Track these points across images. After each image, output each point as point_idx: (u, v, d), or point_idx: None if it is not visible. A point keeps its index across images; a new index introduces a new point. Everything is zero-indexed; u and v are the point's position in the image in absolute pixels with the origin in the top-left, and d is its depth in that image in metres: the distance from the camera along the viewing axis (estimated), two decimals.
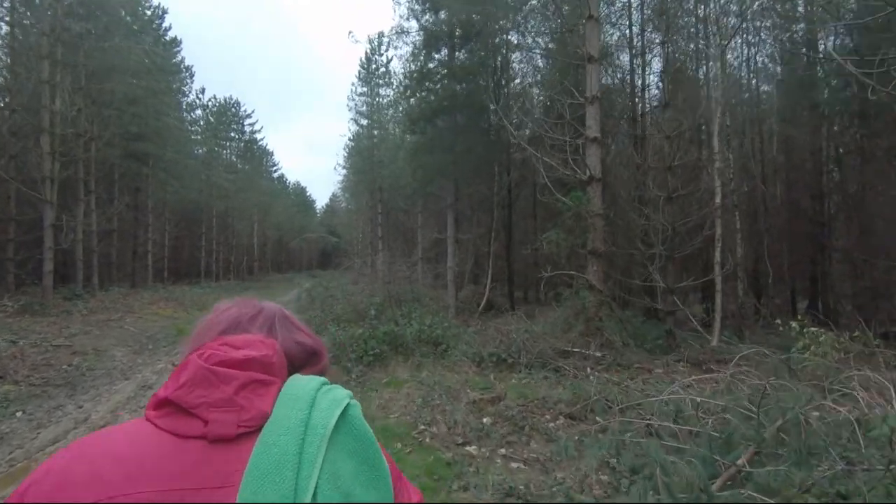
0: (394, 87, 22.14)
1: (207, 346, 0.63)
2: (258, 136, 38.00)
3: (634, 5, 13.35)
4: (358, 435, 0.57)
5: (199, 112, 31.23)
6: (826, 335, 6.68)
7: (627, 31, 13.63)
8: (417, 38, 12.98)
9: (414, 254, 17.74)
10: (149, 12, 20.96)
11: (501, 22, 13.50)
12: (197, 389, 0.56)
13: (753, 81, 16.13)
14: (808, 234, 14.46)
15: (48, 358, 7.13)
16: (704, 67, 14.29)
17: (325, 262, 50.79)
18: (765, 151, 15.23)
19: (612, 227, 10.25)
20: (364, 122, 25.15)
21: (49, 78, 12.98)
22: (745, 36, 14.99)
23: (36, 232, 13.49)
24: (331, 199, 60.12)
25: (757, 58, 15.88)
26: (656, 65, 13.95)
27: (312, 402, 0.57)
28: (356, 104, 25.31)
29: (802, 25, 14.92)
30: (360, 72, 24.56)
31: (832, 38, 14.57)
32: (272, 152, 44.40)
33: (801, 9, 14.60)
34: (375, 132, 23.75)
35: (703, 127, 12.89)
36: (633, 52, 13.47)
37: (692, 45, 12.63)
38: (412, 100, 14.49)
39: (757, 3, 12.32)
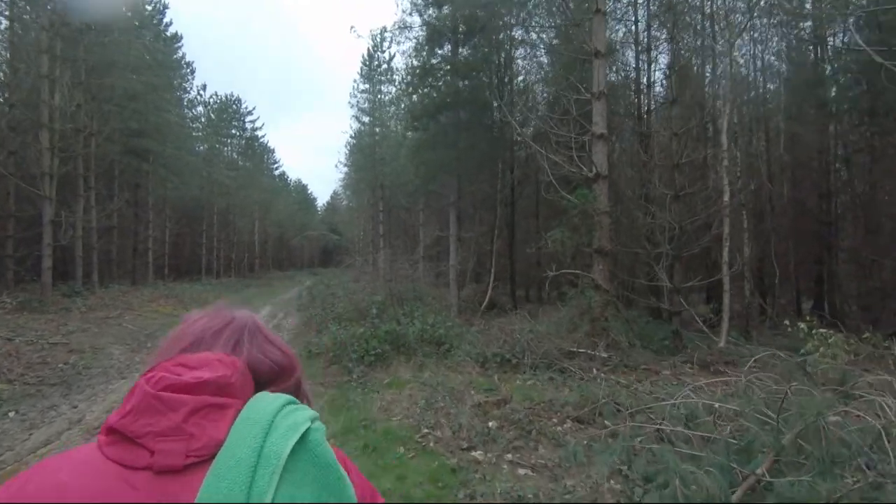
0: (396, 83, 21.99)
1: (161, 367, 0.59)
2: (259, 133, 37.88)
3: (640, 1, 13.18)
4: (318, 462, 0.54)
5: (200, 109, 31.13)
6: (835, 336, 6.53)
7: (633, 27, 13.47)
8: (420, 33, 12.83)
9: (416, 252, 17.59)
10: (149, 7, 20.80)
11: (506, 18, 13.35)
12: (142, 418, 0.54)
13: (760, 79, 15.93)
14: (814, 233, 14.29)
15: (44, 356, 7.00)
16: (711, 64, 14.12)
17: (327, 260, 50.70)
18: (771, 150, 15.05)
19: (617, 226, 10.10)
20: (366, 119, 24.99)
21: (48, 73, 12.83)
22: (752, 33, 14.80)
23: (35, 228, 13.36)
24: (332, 197, 60.10)
25: (763, 55, 15.65)
26: (662, 62, 13.79)
27: (269, 426, 0.54)
28: (358, 101, 25.18)
29: (809, 23, 14.75)
30: (361, 68, 24.41)
31: (840, 34, 14.41)
32: (273, 149, 44.28)
33: (808, 5, 14.41)
34: (377, 129, 23.59)
35: (709, 125, 12.74)
36: (639, 48, 13.30)
37: (700, 41, 12.43)
38: (414, 96, 14.34)
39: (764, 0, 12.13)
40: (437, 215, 19.27)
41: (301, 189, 61.36)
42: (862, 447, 3.08)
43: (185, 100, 27.56)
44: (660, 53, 13.77)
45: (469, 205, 16.84)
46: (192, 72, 26.41)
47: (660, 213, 8.95)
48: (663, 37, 13.12)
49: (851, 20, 10.59)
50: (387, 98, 23.68)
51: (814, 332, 6.56)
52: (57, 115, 13.12)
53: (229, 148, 34.37)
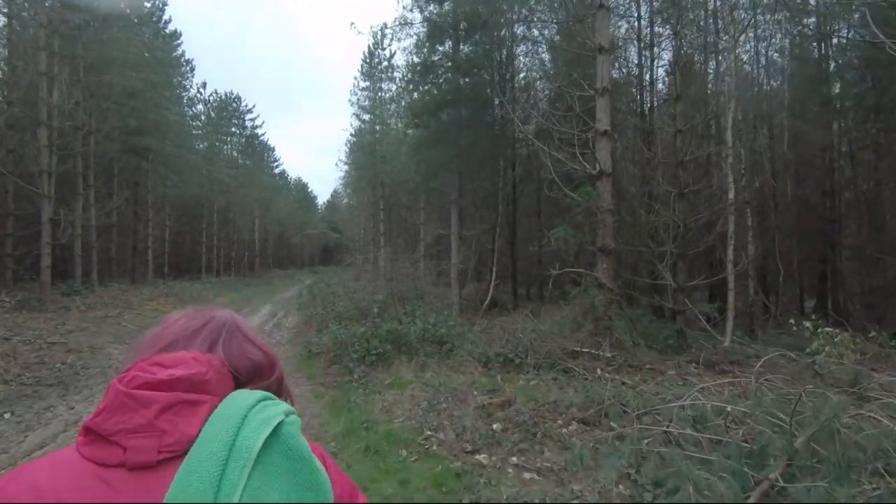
0: (396, 81, 21.86)
1: (137, 367, 0.60)
2: (259, 131, 37.73)
3: None
4: (291, 455, 0.53)
5: (200, 107, 30.99)
6: (842, 335, 6.44)
7: (636, 24, 13.35)
8: (421, 29, 12.71)
9: (416, 250, 17.50)
10: (148, 4, 20.67)
11: (507, 15, 13.23)
12: (115, 416, 0.54)
13: (763, 76, 15.82)
14: (817, 230, 14.20)
15: (42, 356, 6.92)
16: (714, 61, 14.00)
17: (327, 259, 50.59)
18: (774, 147, 14.94)
19: (620, 224, 10.00)
20: (366, 117, 24.88)
21: (46, 70, 12.73)
22: (755, 30, 14.68)
23: (34, 227, 13.26)
24: (332, 196, 59.96)
25: (767, 52, 15.52)
26: (664, 58, 13.68)
27: (242, 421, 0.54)
28: (358, 99, 25.05)
29: (813, 19, 14.63)
30: (362, 66, 24.27)
31: (844, 30, 14.28)
32: (273, 148, 44.11)
33: (812, 1, 14.29)
34: (378, 127, 23.48)
35: (712, 122, 12.63)
36: (642, 45, 13.18)
37: (706, 37, 12.31)
38: (415, 94, 14.22)
39: None
40: (438, 213, 19.17)
41: (301, 187, 61.23)
42: (878, 452, 2.99)
43: (185, 98, 27.43)
44: (663, 50, 13.69)
45: (470, 203, 16.73)
46: (192, 69, 26.29)
47: (664, 210, 8.85)
48: (666, 33, 13.02)
49: (857, 15, 10.48)
50: (387, 96, 23.56)
51: (819, 330, 6.47)
52: (55, 112, 13.01)
53: (229, 146, 34.23)
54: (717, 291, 13.08)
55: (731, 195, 8.94)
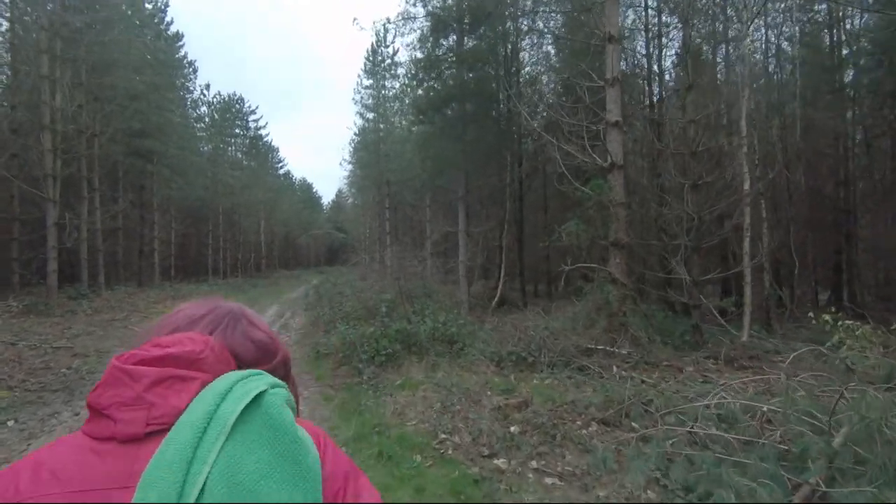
0: (400, 78, 21.70)
1: (139, 348, 0.61)
2: (263, 132, 37.69)
3: None
4: (273, 424, 0.53)
5: (204, 109, 30.98)
6: (863, 328, 6.22)
7: (643, 14, 13.09)
8: (425, 23, 12.52)
9: (423, 248, 17.34)
10: (149, 6, 20.60)
11: (511, 9, 13.02)
12: (109, 390, 0.56)
13: (774, 65, 15.50)
14: (832, 222, 13.91)
15: (47, 361, 6.82)
16: (724, 50, 13.73)
17: (333, 259, 50.58)
18: (787, 137, 14.65)
19: (631, 218, 9.78)
20: (370, 115, 24.74)
21: (49, 73, 12.68)
22: (765, 18, 14.37)
23: (40, 231, 13.24)
24: (337, 195, 59.91)
25: (778, 40, 15.20)
26: (673, 48, 13.42)
27: (226, 393, 0.54)
28: (362, 97, 24.90)
29: (825, 5, 14.31)
30: (365, 64, 24.12)
31: (859, 17, 13.96)
32: (277, 148, 44.08)
33: None
34: (381, 126, 23.33)
35: (724, 112, 12.36)
36: (650, 34, 12.92)
37: (715, 25, 12.04)
38: (420, 90, 14.05)
39: None
40: (444, 211, 18.99)
41: (306, 188, 61.24)
42: None
43: (189, 100, 27.41)
44: (670, 40, 13.42)
45: (476, 200, 16.56)
46: (195, 71, 26.22)
47: (676, 203, 8.63)
48: (674, 22, 12.75)
49: None
50: (391, 93, 23.41)
51: (840, 323, 6.25)
52: (59, 116, 12.97)
53: (233, 148, 34.22)
54: (730, 285, 12.85)
55: (747, 186, 8.69)
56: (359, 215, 36.12)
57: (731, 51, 13.32)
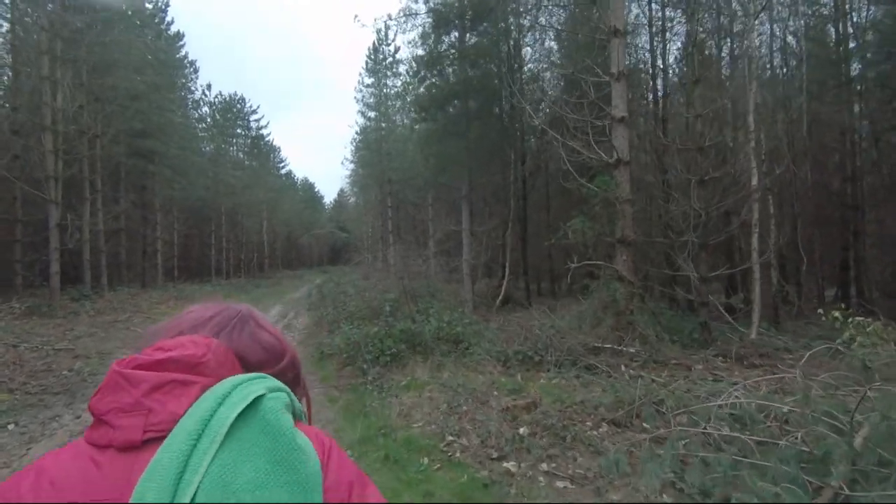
0: (401, 76, 21.60)
1: (141, 352, 0.60)
2: (264, 132, 37.63)
3: None
4: (270, 430, 0.51)
5: (205, 109, 30.95)
6: (874, 325, 6.11)
7: (647, 9, 12.95)
8: (427, 20, 12.41)
9: (426, 247, 17.25)
10: (150, 6, 20.54)
11: (513, 5, 12.89)
12: (108, 396, 0.54)
13: (779, 60, 15.34)
14: (839, 217, 13.76)
15: (48, 363, 6.76)
16: (729, 45, 13.58)
17: (335, 258, 50.54)
18: (793, 132, 14.50)
19: (636, 214, 9.67)
20: (372, 114, 24.66)
21: (49, 74, 12.62)
22: (769, 12, 14.22)
23: (42, 233, 13.20)
24: (339, 195, 59.85)
25: (784, 34, 15.03)
26: (677, 43, 13.29)
27: (224, 397, 0.52)
28: (363, 96, 24.83)
29: None
30: (367, 62, 24.04)
31: (865, 11, 13.79)
32: (279, 148, 44.04)
33: None
34: (383, 124, 23.23)
35: (729, 107, 12.22)
36: (653, 29, 12.79)
37: (720, 19, 11.90)
38: (422, 87, 13.95)
39: None
40: (447, 209, 18.90)
41: (308, 187, 61.22)
42: None
43: (190, 100, 27.38)
44: (675, 35, 13.28)
45: (480, 198, 16.46)
46: (196, 71, 26.20)
47: (682, 199, 8.51)
48: (678, 17, 12.62)
49: None
50: (393, 92, 23.31)
51: (851, 320, 6.14)
52: (60, 116, 12.91)
53: (235, 148, 34.19)
54: (734, 282, 12.72)
55: (755, 181, 8.57)
56: (361, 214, 36.05)
57: (736, 45, 13.18)
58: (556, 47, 15.11)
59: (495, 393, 5.10)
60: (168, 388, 0.54)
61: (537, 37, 14.49)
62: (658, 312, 8.00)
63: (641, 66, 13.64)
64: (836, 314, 6.50)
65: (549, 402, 4.57)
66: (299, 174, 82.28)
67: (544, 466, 3.43)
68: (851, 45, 13.62)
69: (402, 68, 21.45)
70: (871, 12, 13.43)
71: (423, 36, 12.63)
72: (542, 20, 13.35)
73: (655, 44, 12.92)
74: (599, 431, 4.06)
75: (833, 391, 4.00)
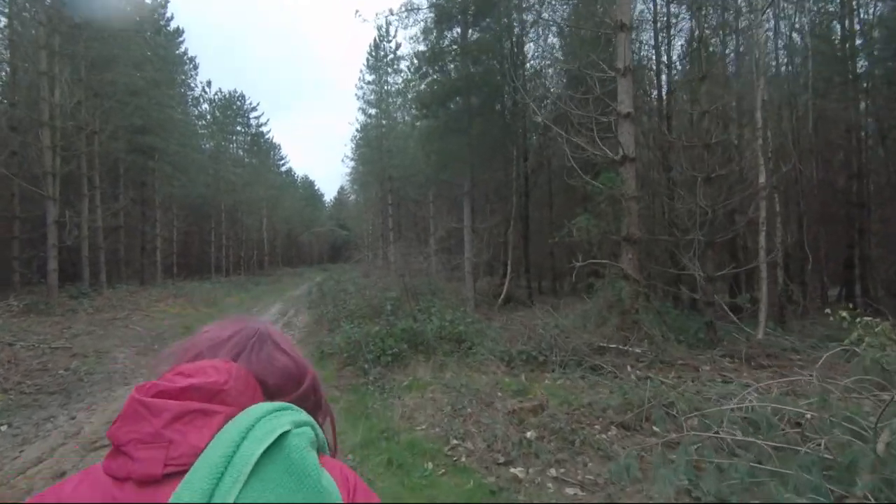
0: (402, 73, 21.45)
1: (162, 377, 0.58)
2: (264, 129, 37.46)
3: None
4: (295, 471, 0.49)
5: (205, 106, 30.80)
6: (882, 325, 6.00)
7: (651, 5, 12.81)
8: (428, 15, 12.25)
9: (427, 245, 17.13)
10: (149, 1, 20.36)
11: (516, 0, 12.74)
12: (127, 425, 0.53)
13: (785, 57, 15.19)
14: (844, 215, 13.63)
15: (44, 362, 6.65)
16: (735, 41, 13.43)
17: (336, 256, 50.44)
18: (799, 130, 14.36)
19: (641, 212, 9.54)
20: (372, 111, 24.50)
21: (47, 69, 12.47)
22: (774, 8, 14.07)
23: (40, 229, 13.07)
24: (339, 192, 59.67)
25: (790, 31, 14.88)
26: (682, 38, 13.15)
27: (248, 431, 0.51)
28: (364, 93, 24.66)
29: None
30: (367, 59, 23.88)
31: (872, 7, 13.65)
32: (279, 145, 43.89)
33: None
34: (384, 121, 23.08)
35: (734, 104, 12.08)
36: (658, 25, 12.65)
37: (724, 15, 11.75)
38: (423, 84, 13.81)
39: None
40: (449, 207, 18.77)
41: (308, 185, 61.07)
42: None
43: (190, 97, 27.22)
44: (679, 31, 13.13)
45: (482, 195, 16.32)
46: (195, 67, 26.02)
47: (688, 196, 8.38)
48: (683, 13, 12.46)
49: None
50: (394, 89, 23.14)
51: (858, 320, 6.03)
52: (58, 112, 12.76)
53: (235, 145, 34.04)
54: (739, 282, 12.60)
55: (762, 179, 8.44)
56: (361, 212, 35.90)
57: (742, 41, 13.03)
58: (558, 44, 14.99)
59: (500, 394, 4.99)
60: (189, 419, 0.52)
61: (540, 32, 14.34)
62: (663, 312, 7.88)
63: (646, 62, 13.51)
64: (844, 314, 6.39)
65: (555, 404, 4.46)
66: (299, 173, 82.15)
67: (553, 472, 3.32)
68: (858, 41, 13.48)
69: (403, 65, 21.29)
70: (877, 8, 13.28)
71: (425, 31, 12.48)
72: (546, 15, 13.20)
73: (660, 40, 12.78)
74: (608, 435, 3.95)
75: (850, 395, 3.88)
